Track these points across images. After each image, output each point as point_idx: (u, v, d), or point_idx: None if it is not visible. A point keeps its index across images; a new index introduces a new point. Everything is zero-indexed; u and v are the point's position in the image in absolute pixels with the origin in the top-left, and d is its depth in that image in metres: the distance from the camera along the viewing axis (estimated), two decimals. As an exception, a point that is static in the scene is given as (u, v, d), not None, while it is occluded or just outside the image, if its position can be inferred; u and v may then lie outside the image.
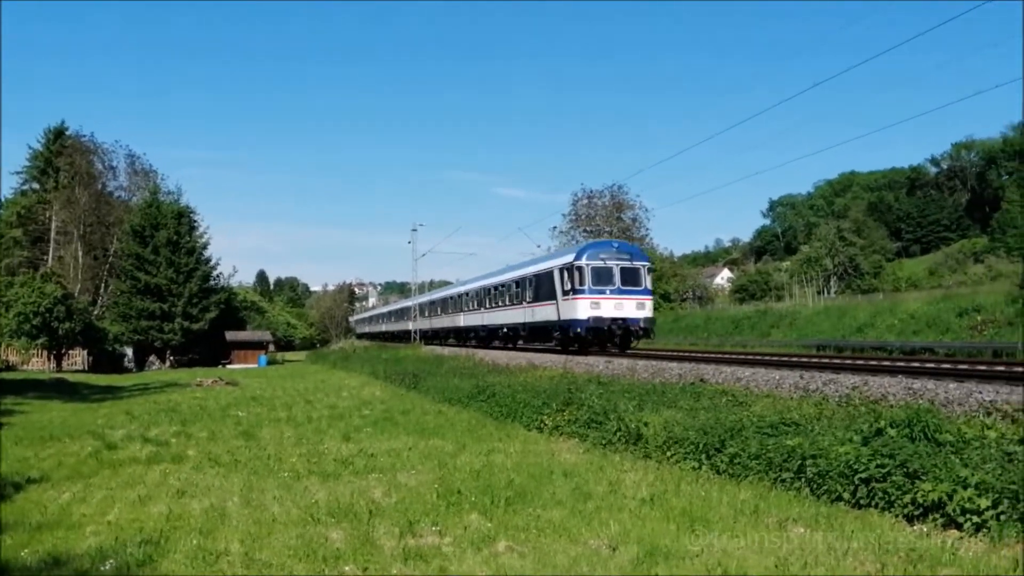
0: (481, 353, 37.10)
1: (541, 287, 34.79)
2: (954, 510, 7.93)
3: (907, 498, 8.46)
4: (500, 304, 42.10)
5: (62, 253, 69.32)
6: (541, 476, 11.35)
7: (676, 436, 12.42)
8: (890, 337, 44.21)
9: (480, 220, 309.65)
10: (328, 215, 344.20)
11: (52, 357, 56.94)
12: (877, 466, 8.96)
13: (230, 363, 68.54)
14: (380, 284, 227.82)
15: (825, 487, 9.49)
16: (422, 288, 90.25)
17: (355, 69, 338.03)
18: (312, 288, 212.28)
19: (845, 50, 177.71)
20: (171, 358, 66.30)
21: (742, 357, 27.39)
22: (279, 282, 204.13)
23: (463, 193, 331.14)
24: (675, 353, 30.54)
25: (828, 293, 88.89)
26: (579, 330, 30.11)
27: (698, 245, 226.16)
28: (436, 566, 7.29)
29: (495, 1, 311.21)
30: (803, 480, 9.85)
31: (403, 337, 73.63)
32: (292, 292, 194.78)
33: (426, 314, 65.27)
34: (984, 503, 7.75)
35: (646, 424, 13.35)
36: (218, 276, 74.02)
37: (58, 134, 74.21)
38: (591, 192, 73.74)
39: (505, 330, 41.46)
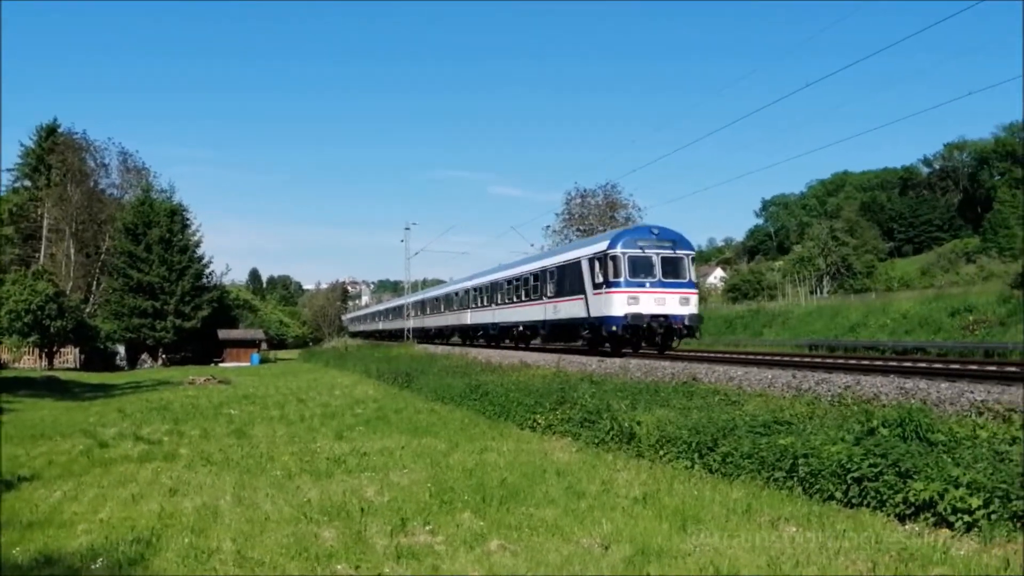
0: (474, 352, 37.06)
1: (566, 280, 31.09)
2: (945, 509, 7.95)
3: (899, 497, 8.49)
4: (515, 300, 38.48)
5: (54, 251, 69.10)
6: (534, 475, 11.35)
7: (669, 435, 12.43)
8: (882, 337, 44.37)
9: (473, 219, 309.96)
10: (321, 214, 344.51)
11: (44, 355, 56.73)
12: (869, 465, 8.98)
13: (223, 361, 68.38)
14: (373, 283, 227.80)
15: (817, 486, 9.51)
16: (415, 287, 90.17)
17: (348, 67, 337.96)
18: (305, 286, 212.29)
19: (838, 50, 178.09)
20: (163, 356, 66.12)
21: (735, 356, 27.44)
22: (272, 280, 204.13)
23: (457, 192, 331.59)
24: (668, 352, 30.41)
25: (821, 293, 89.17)
26: (614, 328, 26.51)
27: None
28: (428, 565, 7.29)
29: (489, 1, 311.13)
30: (795, 479, 9.87)
31: (400, 335, 72.25)
32: (285, 290, 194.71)
33: (427, 311, 62.78)
34: (975, 502, 7.77)
35: (639, 423, 13.36)
36: (211, 274, 73.81)
37: (50, 131, 73.91)
38: (584, 191, 73.61)
39: (521, 328, 38.01)
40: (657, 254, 27.00)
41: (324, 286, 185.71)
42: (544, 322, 33.82)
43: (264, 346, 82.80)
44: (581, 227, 70.97)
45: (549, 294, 32.98)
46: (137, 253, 65.33)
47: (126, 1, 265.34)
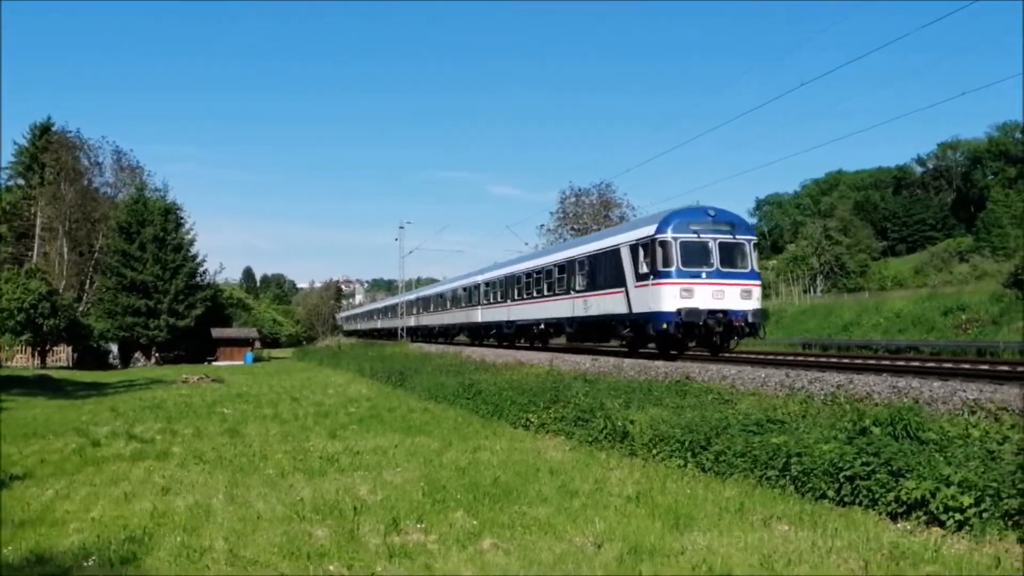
0: (468, 351, 37.02)
1: (600, 271, 27.57)
2: (937, 508, 7.97)
3: (891, 496, 8.51)
4: (535, 295, 34.74)
5: (47, 249, 68.93)
6: (527, 474, 11.36)
7: (662, 434, 12.44)
8: (875, 335, 44.50)
9: (468, 218, 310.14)
10: (315, 212, 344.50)
11: (36, 353, 56.61)
12: (861, 464, 9.00)
13: (216, 360, 68.34)
14: (367, 281, 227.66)
15: (810, 485, 9.52)
16: (409, 286, 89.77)
17: (344, 66, 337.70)
18: (299, 285, 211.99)
19: (832, 50, 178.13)
20: (157, 355, 66.05)
21: (728, 355, 27.44)
22: (265, 279, 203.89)
23: (451, 191, 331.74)
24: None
25: (814, 292, 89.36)
26: (664, 326, 23.02)
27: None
28: (421, 563, 7.28)
29: (486, 1, 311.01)
30: (788, 478, 9.88)
31: (396, 335, 71.34)
32: (279, 289, 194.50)
33: (431, 308, 59.25)
34: (967, 501, 7.79)
35: (632, 422, 13.37)
36: (204, 273, 73.81)
37: (44, 130, 73.69)
38: (579, 190, 73.72)
39: (542, 326, 34.53)
40: (714, 239, 23.55)
41: (318, 285, 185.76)
42: (572, 319, 30.23)
43: (257, 345, 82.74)
44: (575, 226, 71.03)
45: (578, 287, 29.53)
46: (131, 252, 65.27)
47: (120, 1, 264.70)
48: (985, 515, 7.64)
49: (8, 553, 7.89)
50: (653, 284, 23.47)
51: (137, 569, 7.34)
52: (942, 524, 7.88)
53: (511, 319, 38.19)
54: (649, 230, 24.13)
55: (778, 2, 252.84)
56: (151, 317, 64.91)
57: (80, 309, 65.41)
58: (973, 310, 42.65)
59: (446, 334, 56.12)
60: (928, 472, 8.32)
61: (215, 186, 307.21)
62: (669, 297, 22.92)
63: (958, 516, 7.80)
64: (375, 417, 19.24)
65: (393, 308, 77.42)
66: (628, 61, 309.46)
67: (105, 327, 64.25)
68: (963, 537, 7.57)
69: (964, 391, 12.27)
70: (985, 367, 20.37)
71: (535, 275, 34.90)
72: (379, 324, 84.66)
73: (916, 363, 21.36)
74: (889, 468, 8.71)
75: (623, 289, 25.35)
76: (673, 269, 23.07)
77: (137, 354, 65.98)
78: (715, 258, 23.31)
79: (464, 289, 48.59)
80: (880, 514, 8.50)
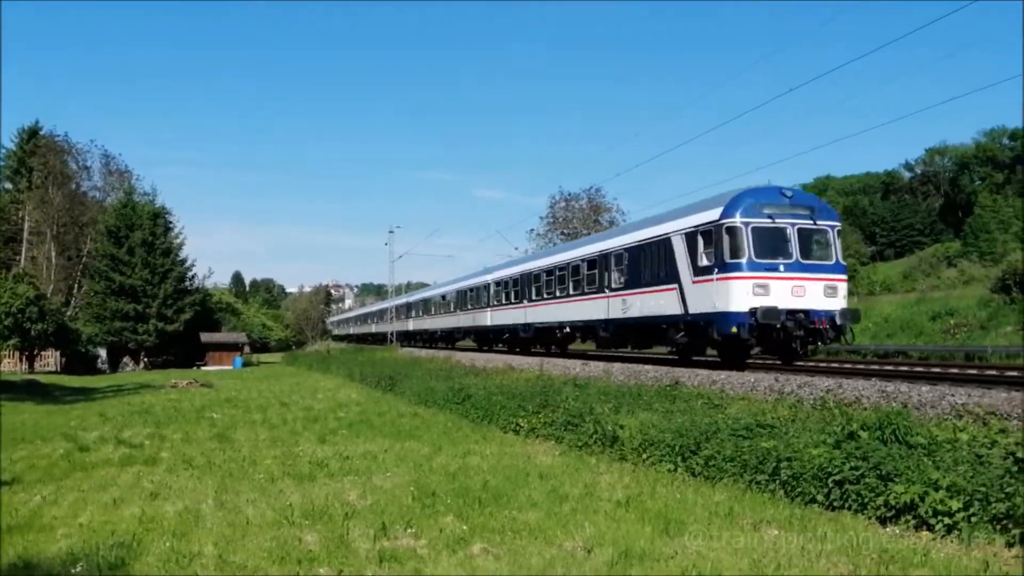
0: (458, 355, 36.95)
1: (645, 265, 23.81)
2: (926, 512, 8.01)
3: (880, 500, 8.54)
4: (558, 294, 30.91)
5: (35, 253, 68.60)
6: (517, 478, 11.36)
7: (652, 438, 12.46)
8: (864, 340, 44.54)
9: (458, 222, 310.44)
10: (305, 216, 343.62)
11: (24, 358, 56.35)
12: (851, 468, 9.03)
13: (205, 365, 68.08)
14: (357, 286, 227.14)
15: (799, 489, 9.55)
16: (399, 290, 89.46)
17: (332, 69, 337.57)
18: (288, 289, 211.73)
19: (820, 55, 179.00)
20: (145, 359, 65.79)
21: (717, 360, 27.45)
22: (255, 283, 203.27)
23: (441, 194, 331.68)
24: (651, 356, 30.29)
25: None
26: (733, 329, 19.41)
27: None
28: (411, 568, 7.28)
29: (474, 1, 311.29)
30: (777, 482, 9.91)
31: (404, 338, 66.92)
32: (268, 293, 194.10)
33: (432, 311, 55.34)
34: (955, 505, 7.82)
35: (622, 426, 13.38)
36: (193, 277, 73.59)
37: (32, 133, 73.41)
38: (568, 195, 73.89)
39: (567, 329, 30.78)
40: (792, 225, 20.05)
41: (307, 289, 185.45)
42: (607, 322, 26.27)
43: (247, 349, 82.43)
44: (565, 231, 71.13)
45: (615, 285, 25.83)
46: (119, 256, 65.05)
47: (109, 2, 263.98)
48: (974, 519, 7.67)
49: (-4, 559, 7.86)
50: (718, 279, 19.88)
51: (126, 575, 7.31)
52: (931, 528, 7.92)
53: (528, 322, 34.28)
54: (712, 214, 20.45)
55: (764, 3, 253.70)
56: (140, 321, 64.68)
57: (68, 313, 65.09)
58: (961, 315, 42.82)
59: (449, 339, 52.93)
60: (917, 476, 8.35)
61: (204, 190, 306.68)
62: (740, 294, 19.48)
63: (947, 520, 7.83)
64: (365, 422, 19.22)
65: (391, 311, 74.12)
66: (616, 66, 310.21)
67: (93, 331, 64.01)
68: (952, 541, 7.61)
69: (952, 395, 12.32)
70: (973, 371, 20.51)
71: (559, 272, 31.05)
72: (373, 328, 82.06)
73: (905, 368, 21.51)
74: (878, 472, 8.75)
75: (675, 286, 21.82)
76: (744, 261, 19.60)
77: (126, 359, 65.73)
78: (794, 248, 19.90)
79: (471, 289, 44.43)
80: (869, 518, 8.53)
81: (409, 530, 8.55)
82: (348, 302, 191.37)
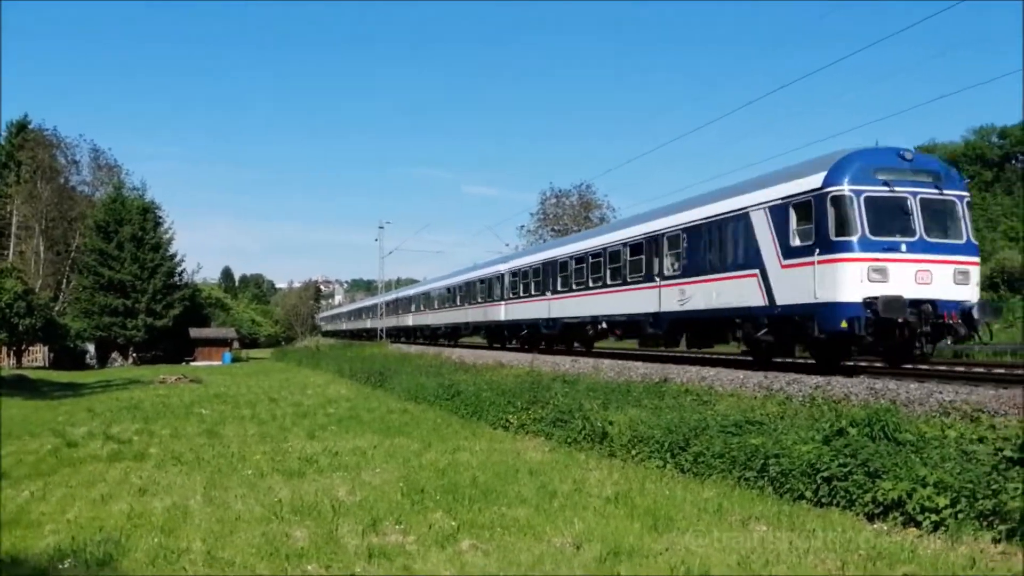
0: (448, 351, 36.91)
1: (711, 247, 20.16)
2: (913, 508, 8.04)
3: (868, 497, 8.57)
4: (591, 285, 27.06)
5: (23, 248, 68.28)
6: (506, 474, 11.37)
7: (641, 435, 12.48)
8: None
9: (448, 218, 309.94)
10: (294, 212, 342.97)
11: (12, 353, 56.10)
12: (839, 465, 9.07)
13: (194, 360, 67.99)
14: (346, 282, 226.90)
15: (788, 486, 9.58)
16: (388, 286, 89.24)
17: (322, 64, 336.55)
18: (278, 285, 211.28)
19: (812, 51, 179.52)
20: (134, 355, 65.63)
21: (706, 357, 27.50)
22: (244, 279, 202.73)
23: (431, 190, 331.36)
24: (641, 352, 30.12)
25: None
26: (843, 324, 15.75)
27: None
28: (400, 564, 7.27)
29: (466, 1, 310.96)
30: (766, 479, 9.94)
31: (392, 335, 65.90)
32: (257, 289, 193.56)
33: (434, 306, 51.73)
34: (942, 501, 7.86)
35: (611, 423, 13.41)
36: (183, 272, 73.38)
37: (20, 127, 73.02)
38: (559, 191, 73.96)
39: (603, 325, 26.71)
40: (914, 194, 16.31)
41: (297, 285, 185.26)
42: (659, 316, 22.36)
43: (236, 345, 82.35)
44: (556, 227, 71.20)
45: (669, 272, 22.02)
46: (108, 251, 64.83)
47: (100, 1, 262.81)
48: (961, 516, 7.70)
49: (-18, 555, 7.83)
50: (820, 262, 16.13)
51: (114, 571, 7.29)
52: (918, 525, 7.95)
53: (553, 316, 30.22)
54: (810, 182, 16.79)
55: (759, 3, 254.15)
56: (128, 317, 64.50)
57: (56, 308, 64.81)
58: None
59: (452, 335, 49.57)
60: (904, 473, 8.39)
61: (193, 185, 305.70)
62: (850, 280, 15.76)
63: (934, 517, 7.86)
64: (354, 418, 19.20)
65: (387, 305, 70.89)
66: (607, 63, 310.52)
67: (82, 327, 63.79)
68: (939, 538, 7.64)
69: (940, 393, 12.37)
70: (961, 369, 20.56)
71: (592, 258, 27.08)
72: (369, 324, 78.71)
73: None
74: (866, 469, 8.78)
75: (755, 272, 18.13)
76: (855, 238, 15.83)
77: (114, 354, 65.57)
78: (917, 222, 16.11)
79: (482, 281, 40.39)
80: (857, 515, 8.57)
81: (398, 526, 8.55)
82: (338, 298, 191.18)
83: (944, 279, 16.07)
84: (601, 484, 10.58)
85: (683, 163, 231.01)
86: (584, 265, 27.65)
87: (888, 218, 16.13)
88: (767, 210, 17.92)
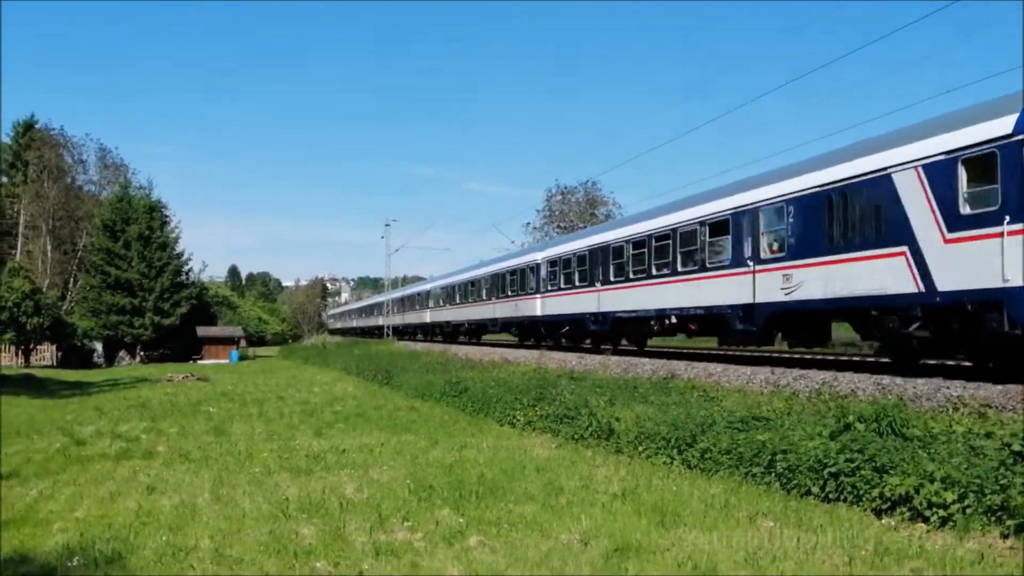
0: (454, 348, 36.86)
1: (831, 220, 16.27)
2: (921, 504, 8.02)
3: (875, 492, 8.55)
4: (654, 272, 23.07)
5: (30, 247, 68.49)
6: (513, 471, 11.37)
7: (648, 431, 12.47)
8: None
9: (453, 215, 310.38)
10: (301, 210, 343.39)
11: (20, 352, 56.21)
12: (846, 460, 9.05)
13: (201, 358, 68.07)
14: (353, 279, 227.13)
15: (795, 481, 9.56)
16: (395, 284, 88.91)
17: (327, 64, 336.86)
18: (284, 283, 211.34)
19: (819, 48, 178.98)
20: (141, 353, 65.72)
21: (713, 353, 27.49)
22: (251, 277, 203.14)
23: (435, 188, 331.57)
24: (648, 348, 29.99)
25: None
26: None
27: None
28: (407, 561, 7.28)
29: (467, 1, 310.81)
30: (773, 475, 9.93)
31: (421, 331, 60.52)
32: (264, 287, 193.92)
33: (456, 300, 47.36)
34: (950, 497, 7.84)
35: (618, 419, 13.41)
36: (189, 271, 73.46)
37: (27, 127, 73.17)
38: (565, 188, 73.83)
39: (673, 319, 22.38)
40: None
41: (303, 283, 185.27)
42: (751, 307, 18.57)
43: (243, 343, 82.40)
44: (562, 224, 71.08)
45: (766, 254, 18.21)
46: (115, 250, 64.92)
47: (102, 1, 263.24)
48: (968, 511, 7.68)
49: (-8, 553, 7.85)
50: (1012, 233, 12.31)
51: (122, 569, 7.31)
52: (926, 520, 7.93)
53: (604, 310, 26.31)
54: (992, 128, 12.87)
55: (763, 2, 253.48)
56: (136, 315, 64.60)
57: (64, 307, 65.02)
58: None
59: (476, 332, 46.35)
60: (912, 468, 8.37)
61: (199, 184, 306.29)
62: None
63: (942, 512, 7.84)
64: (361, 415, 19.22)
65: (403, 300, 66.42)
66: (609, 61, 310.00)
67: (89, 325, 63.88)
68: (947, 533, 7.62)
69: (948, 388, 12.34)
70: (969, 364, 20.48)
71: (656, 242, 23.11)
72: (381, 321, 73.99)
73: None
74: (873, 464, 8.76)
75: (902, 248, 14.50)
76: None
77: (122, 353, 65.64)
78: None
79: (512, 272, 36.25)
80: (864, 510, 8.55)
81: (406, 523, 8.55)
82: (344, 296, 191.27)
83: None
84: (608, 480, 10.58)
85: (689, 160, 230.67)
86: (645, 250, 23.73)
87: None
88: (920, 169, 14.18)
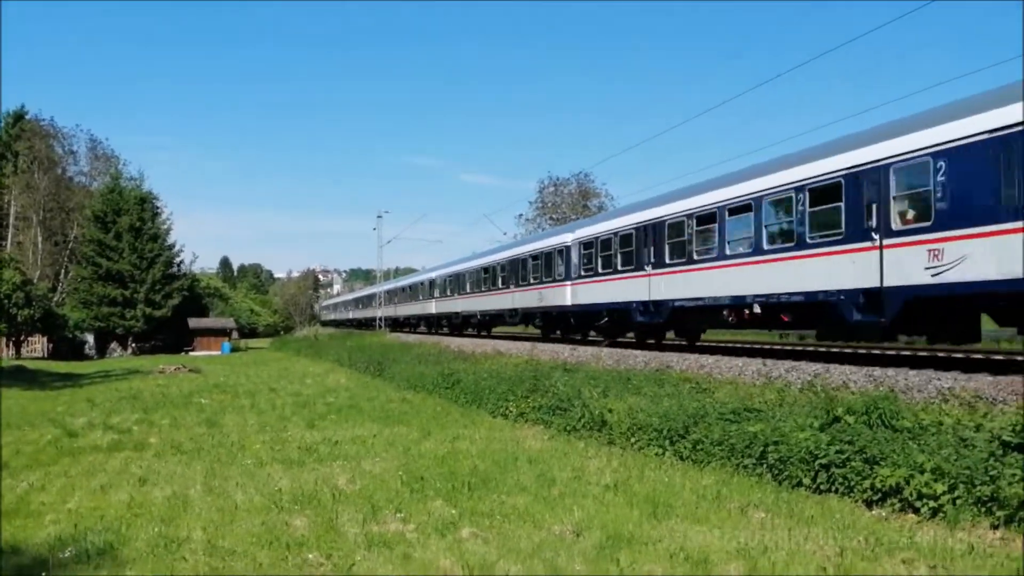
0: (447, 340, 36.87)
1: (995, 177, 12.01)
2: (911, 495, 8.06)
3: (866, 483, 8.60)
4: (727, 253, 18.96)
5: (21, 238, 68.15)
6: (506, 462, 11.39)
7: (640, 423, 12.50)
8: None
9: (445, 207, 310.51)
10: (292, 201, 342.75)
11: (11, 344, 56.08)
12: (837, 452, 9.09)
13: (193, 350, 67.97)
14: (345, 271, 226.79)
15: (786, 473, 9.60)
16: (387, 275, 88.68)
17: (319, 55, 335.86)
18: (276, 275, 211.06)
19: (812, 39, 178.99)
20: (133, 345, 65.63)
21: (705, 344, 27.49)
22: (243, 269, 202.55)
23: (428, 179, 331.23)
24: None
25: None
26: None
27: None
28: (400, 552, 7.29)
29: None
30: (765, 466, 9.96)
31: (423, 322, 57.50)
32: (256, 279, 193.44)
33: (468, 289, 42.84)
34: (940, 488, 7.88)
35: (611, 411, 13.42)
36: (181, 262, 73.30)
37: (17, 118, 72.71)
38: (557, 180, 73.84)
39: (755, 308, 18.59)
40: None
41: (295, 274, 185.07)
42: (880, 292, 14.31)
43: (235, 335, 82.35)
44: (554, 216, 71.09)
45: (899, 225, 14.01)
46: (106, 241, 64.76)
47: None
48: (958, 502, 7.72)
49: (-17, 544, 7.84)
50: None
51: (114, 560, 7.30)
52: (916, 511, 7.98)
53: (655, 298, 22.33)
54: None
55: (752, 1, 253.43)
56: (127, 307, 64.49)
57: (55, 299, 64.80)
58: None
59: (489, 324, 41.99)
60: (902, 460, 8.41)
61: (191, 176, 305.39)
62: None
63: (932, 503, 7.89)
64: (353, 407, 19.21)
65: (404, 290, 62.62)
66: (604, 53, 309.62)
67: (81, 317, 63.76)
68: (937, 524, 7.66)
69: (939, 380, 12.37)
70: (959, 356, 20.58)
71: (730, 215, 19.09)
72: (380, 312, 70.37)
73: (892, 352, 21.53)
74: (864, 456, 8.80)
75: None
76: None
77: (113, 344, 65.56)
78: None
79: (535, 256, 32.12)
80: (855, 501, 8.60)
81: (398, 515, 8.56)
82: (336, 287, 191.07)
83: None
84: (600, 472, 10.61)
85: (680, 152, 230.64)
86: (715, 225, 19.56)
87: None
88: None
